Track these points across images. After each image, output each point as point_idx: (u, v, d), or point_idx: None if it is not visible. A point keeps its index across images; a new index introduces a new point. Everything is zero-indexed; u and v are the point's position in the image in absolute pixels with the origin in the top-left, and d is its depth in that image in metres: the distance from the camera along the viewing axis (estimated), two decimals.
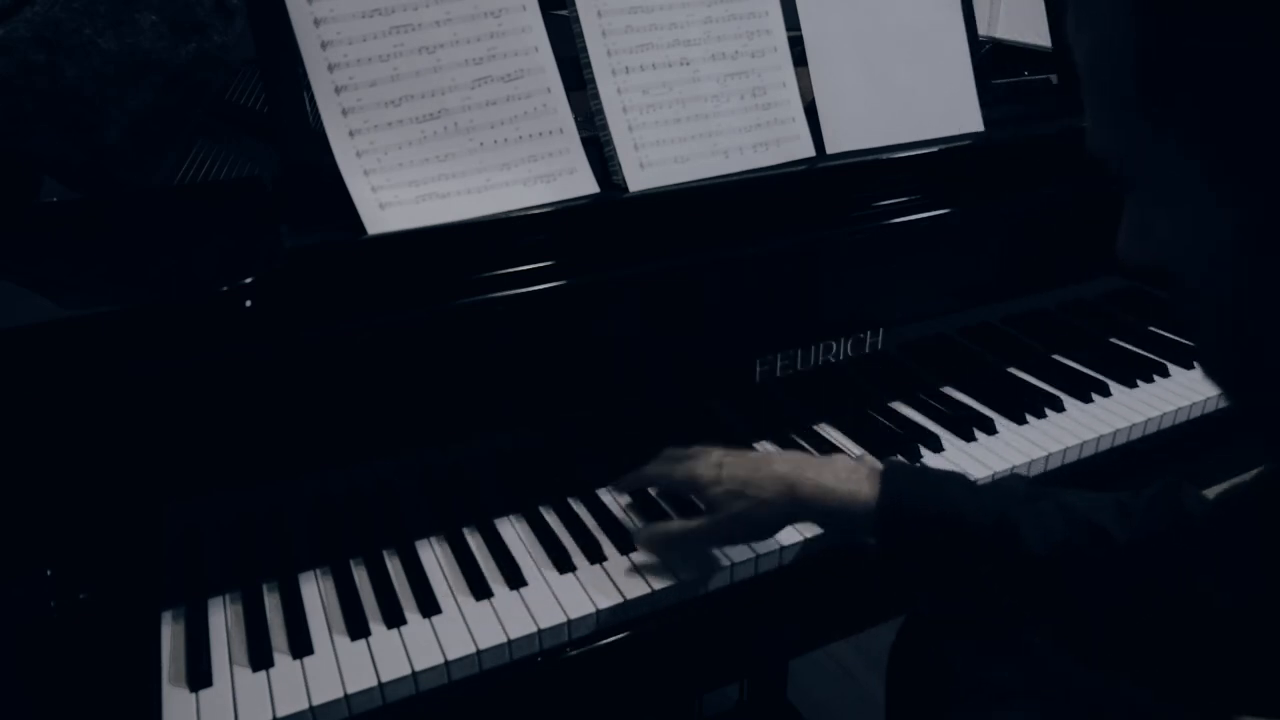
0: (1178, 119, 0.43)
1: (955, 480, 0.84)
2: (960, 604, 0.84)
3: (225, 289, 0.76)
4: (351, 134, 0.83)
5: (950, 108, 1.12)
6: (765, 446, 1.07)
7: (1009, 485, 0.87)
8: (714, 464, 0.87)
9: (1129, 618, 0.72)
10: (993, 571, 0.77)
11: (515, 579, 0.86)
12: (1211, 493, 0.75)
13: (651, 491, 0.98)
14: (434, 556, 0.90)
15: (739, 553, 0.89)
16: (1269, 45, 0.38)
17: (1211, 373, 0.52)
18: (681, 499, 0.95)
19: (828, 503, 0.82)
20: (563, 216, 0.90)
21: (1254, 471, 0.69)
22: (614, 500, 0.98)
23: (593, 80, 0.93)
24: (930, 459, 1.05)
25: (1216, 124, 0.42)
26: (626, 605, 0.85)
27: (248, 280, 0.76)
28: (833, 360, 1.07)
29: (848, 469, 0.84)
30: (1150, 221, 0.48)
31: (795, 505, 0.84)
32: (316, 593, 0.86)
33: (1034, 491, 0.81)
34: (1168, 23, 0.41)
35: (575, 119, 0.93)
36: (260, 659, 0.78)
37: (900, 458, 1.04)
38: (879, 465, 0.86)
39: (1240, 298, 0.46)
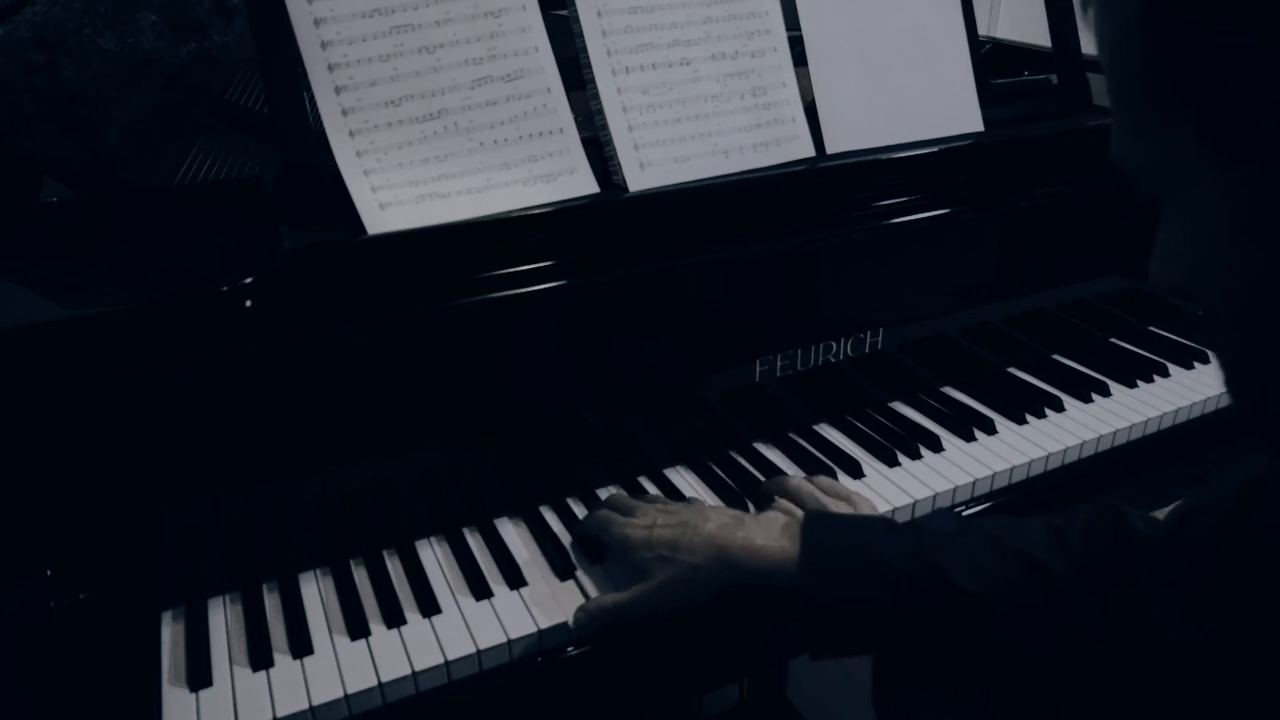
0: (1185, 118, 0.42)
1: (878, 525, 0.80)
2: (895, 658, 0.78)
3: (225, 289, 0.76)
4: (351, 134, 0.84)
5: (950, 108, 1.12)
6: (765, 446, 1.07)
7: (933, 524, 0.84)
8: (644, 526, 0.84)
9: (1076, 655, 0.68)
10: (921, 617, 0.73)
11: (515, 579, 0.86)
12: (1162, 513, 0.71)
13: (651, 488, 0.98)
14: (434, 556, 0.90)
15: None
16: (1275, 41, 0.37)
17: (1239, 397, 0.48)
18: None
19: (759, 562, 0.79)
20: (563, 216, 0.90)
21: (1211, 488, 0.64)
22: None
23: (593, 80, 0.93)
24: (930, 459, 1.05)
25: (1222, 123, 0.41)
26: None
27: (248, 280, 0.76)
28: (833, 360, 1.07)
29: (778, 525, 0.81)
30: (1171, 237, 0.47)
31: (726, 568, 0.80)
32: (316, 593, 0.86)
33: (961, 527, 0.79)
34: (1172, 13, 0.40)
35: (575, 119, 0.93)
36: (260, 659, 0.78)
37: (904, 455, 1.04)
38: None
39: (1259, 312, 0.44)
